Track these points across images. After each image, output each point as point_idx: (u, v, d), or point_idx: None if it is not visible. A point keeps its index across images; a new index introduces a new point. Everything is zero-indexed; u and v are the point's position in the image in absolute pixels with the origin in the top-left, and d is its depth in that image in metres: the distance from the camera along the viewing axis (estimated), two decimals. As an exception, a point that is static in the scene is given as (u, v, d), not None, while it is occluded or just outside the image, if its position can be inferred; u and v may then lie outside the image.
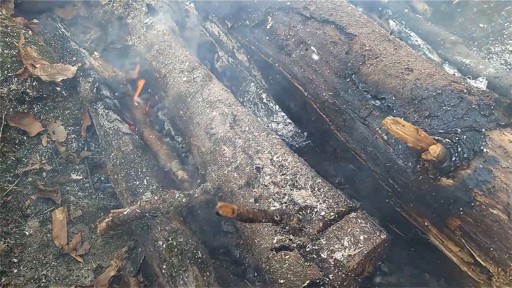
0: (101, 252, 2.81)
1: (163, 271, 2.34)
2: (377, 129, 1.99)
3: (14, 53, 3.20)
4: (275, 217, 1.72)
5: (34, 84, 3.14)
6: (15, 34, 3.33)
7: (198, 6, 3.20)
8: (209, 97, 2.65)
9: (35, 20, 4.30)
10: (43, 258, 2.62)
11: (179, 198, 2.20)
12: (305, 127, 2.66)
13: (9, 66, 3.12)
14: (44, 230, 2.73)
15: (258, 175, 2.16)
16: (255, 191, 2.13)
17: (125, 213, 2.08)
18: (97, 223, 2.16)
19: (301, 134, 2.86)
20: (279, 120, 3.04)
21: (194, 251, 2.42)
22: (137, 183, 2.63)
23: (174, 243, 2.40)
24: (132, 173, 2.68)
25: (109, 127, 3.04)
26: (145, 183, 2.63)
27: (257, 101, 3.18)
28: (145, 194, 2.57)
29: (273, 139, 2.32)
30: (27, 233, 2.66)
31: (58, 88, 3.27)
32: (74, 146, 3.20)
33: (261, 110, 3.11)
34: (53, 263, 2.63)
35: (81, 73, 3.35)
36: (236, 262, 2.80)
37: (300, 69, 2.33)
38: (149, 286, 2.64)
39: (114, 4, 3.49)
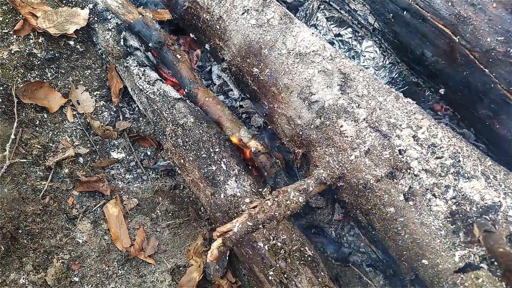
0: (172, 247, 2.33)
1: (270, 277, 1.90)
2: None
3: (2, -2, 2.33)
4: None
5: (39, 40, 2.34)
6: (-4, -30, 2.41)
7: None
8: (297, 48, 1.95)
9: None
10: (107, 268, 2.12)
11: (295, 198, 1.66)
12: (441, 84, 2.00)
13: (1, 19, 2.28)
14: (99, 233, 2.20)
15: (403, 161, 1.60)
16: (401, 184, 1.59)
17: (235, 230, 1.55)
18: (209, 253, 1.62)
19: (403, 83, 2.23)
20: (368, 64, 2.39)
21: (302, 249, 1.96)
22: (214, 168, 2.05)
23: (279, 244, 1.92)
24: (204, 155, 2.08)
25: (152, 91, 2.34)
26: (224, 167, 2.05)
27: (332, 38, 2.47)
28: (228, 182, 2.01)
29: (408, 105, 1.72)
30: (80, 241, 2.13)
31: (71, 42, 2.48)
32: (105, 116, 2.53)
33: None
34: (120, 271, 2.15)
35: (95, 18, 2.52)
36: (333, 242, 2.37)
37: (446, 3, 1.63)
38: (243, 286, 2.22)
39: None
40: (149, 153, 2.57)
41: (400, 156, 1.60)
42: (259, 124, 2.58)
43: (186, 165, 2.10)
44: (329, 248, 2.35)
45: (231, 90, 2.63)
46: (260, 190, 2.05)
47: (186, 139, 2.13)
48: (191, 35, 2.53)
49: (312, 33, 1.99)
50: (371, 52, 2.39)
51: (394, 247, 1.69)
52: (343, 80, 1.80)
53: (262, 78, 2.05)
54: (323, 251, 2.35)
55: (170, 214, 2.41)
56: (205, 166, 2.06)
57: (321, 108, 1.82)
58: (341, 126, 1.73)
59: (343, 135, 1.72)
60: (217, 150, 2.11)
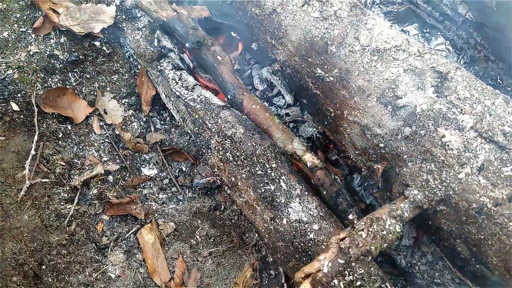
0: (216, 279, 1.98)
1: (348, 321, 1.55)
2: None
3: (19, -8, 2.02)
4: None
5: (61, 40, 2.03)
6: (13, -40, 2.11)
7: None
8: (373, 43, 1.64)
9: None
10: (145, 308, 1.78)
11: (391, 227, 1.32)
12: None
13: (18, 16, 1.97)
14: (133, 264, 1.86)
15: (530, 180, 1.27)
16: (532, 209, 1.26)
17: (325, 271, 1.22)
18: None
19: None
20: (443, 48, 2.07)
21: (383, 286, 1.62)
22: (272, 187, 1.72)
23: (358, 282, 1.57)
24: (259, 171, 1.75)
25: (192, 98, 2.02)
26: (284, 187, 1.72)
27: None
28: (291, 205, 1.67)
29: (524, 110, 1.39)
30: (112, 275, 1.79)
31: (97, 43, 2.17)
32: (135, 127, 2.21)
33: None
34: (160, 311, 1.81)
35: (123, 16, 2.22)
36: (404, 273, 2.03)
37: None
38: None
39: None
40: (184, 168, 2.24)
41: (527, 173, 1.27)
42: (309, 134, 2.25)
43: (238, 184, 1.77)
44: (399, 281, 2.01)
45: (277, 95, 2.31)
46: (325, 214, 1.72)
47: (237, 153, 1.80)
48: (233, 34, 2.21)
49: (391, 25, 1.67)
50: (443, 50, 2.07)
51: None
52: (439, 80, 1.48)
53: (328, 80, 1.73)
54: (394, 284, 2.01)
55: (212, 240, 2.07)
56: (261, 185, 1.73)
57: (411, 114, 1.49)
58: (443, 136, 1.40)
59: (446, 147, 1.39)
60: (274, 165, 1.78)
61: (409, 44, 1.60)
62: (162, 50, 2.15)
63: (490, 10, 1.48)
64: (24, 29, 1.96)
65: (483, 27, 1.55)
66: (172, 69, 2.14)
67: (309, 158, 1.94)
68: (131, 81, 2.27)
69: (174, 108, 2.11)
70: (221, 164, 1.83)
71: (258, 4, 1.94)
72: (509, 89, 2.12)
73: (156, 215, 2.03)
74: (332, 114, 1.79)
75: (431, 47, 2.08)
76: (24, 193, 1.66)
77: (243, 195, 1.76)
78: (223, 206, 2.18)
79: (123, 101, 2.21)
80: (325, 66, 1.74)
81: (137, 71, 2.28)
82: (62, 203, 1.80)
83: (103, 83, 2.16)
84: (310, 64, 1.80)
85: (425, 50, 1.57)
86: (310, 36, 1.78)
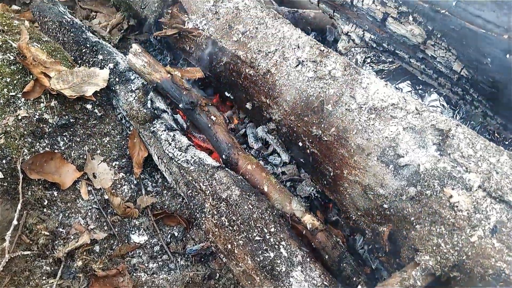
0: None
1: None
2: None
3: (11, 58, 2.02)
4: None
5: (52, 104, 1.99)
6: (7, 27, 2.13)
7: None
8: (370, 101, 1.62)
9: (14, 6, 3.06)
10: None
11: (405, 300, 1.21)
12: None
13: (8, 80, 1.94)
14: None
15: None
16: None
17: None
18: None
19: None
20: (437, 104, 2.05)
21: None
22: (271, 255, 1.60)
23: None
24: (257, 237, 1.64)
25: (185, 159, 1.95)
26: (285, 253, 1.61)
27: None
28: (293, 274, 1.55)
29: (531, 168, 1.34)
30: None
31: (89, 106, 2.13)
32: (125, 190, 2.11)
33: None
34: None
35: (116, 79, 2.21)
36: None
37: None
38: None
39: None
40: (176, 233, 2.12)
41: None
42: (307, 194, 2.17)
43: (235, 251, 1.65)
44: None
45: (273, 153, 2.25)
46: (330, 283, 1.59)
47: (233, 217, 1.70)
48: (227, 94, 2.20)
49: (386, 84, 1.67)
50: (438, 106, 2.07)
51: None
52: (440, 138, 1.44)
53: (326, 139, 1.69)
54: None
55: (207, 313, 1.90)
56: (260, 252, 1.61)
57: (415, 173, 1.43)
58: (450, 196, 1.33)
59: (455, 208, 1.32)
60: (272, 230, 1.67)
61: (406, 102, 1.58)
62: (155, 111, 2.11)
63: (485, 66, 1.49)
64: (13, 93, 1.93)
65: (479, 83, 1.54)
66: (165, 130, 2.09)
67: (309, 220, 1.84)
68: (123, 142, 2.21)
69: (166, 170, 2.03)
70: (216, 229, 1.73)
71: (252, 65, 1.94)
72: (506, 143, 2.10)
73: (146, 287, 1.87)
74: (331, 174, 1.73)
75: (426, 104, 2.08)
76: (2, 268, 1.52)
77: (240, 264, 1.64)
78: (218, 275, 2.03)
79: (113, 164, 2.13)
80: (322, 125, 1.70)
81: (129, 133, 2.23)
82: (44, 278, 1.65)
83: (94, 146, 2.09)
84: (306, 123, 1.76)
85: (423, 108, 1.54)
86: (306, 95, 1.76)
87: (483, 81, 1.53)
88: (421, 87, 2.10)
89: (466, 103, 1.72)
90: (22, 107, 1.91)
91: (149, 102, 2.11)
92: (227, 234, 1.69)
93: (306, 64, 1.79)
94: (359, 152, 1.59)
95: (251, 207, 1.72)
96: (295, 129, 1.83)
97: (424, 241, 1.37)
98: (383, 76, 2.25)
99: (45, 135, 1.93)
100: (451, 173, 1.38)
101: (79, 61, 2.31)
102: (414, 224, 1.41)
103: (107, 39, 2.78)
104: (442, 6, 1.53)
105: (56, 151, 1.94)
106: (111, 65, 2.23)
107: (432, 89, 2.04)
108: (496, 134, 1.99)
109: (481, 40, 1.47)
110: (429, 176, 1.41)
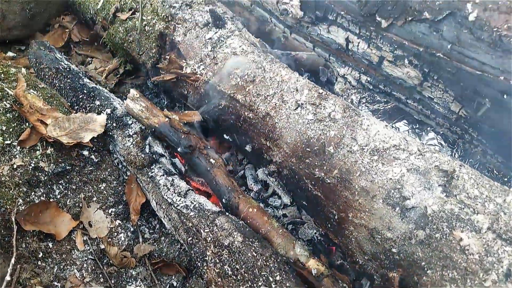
0: None
1: None
2: None
3: (8, 105, 2.00)
4: None
5: (48, 151, 1.96)
6: (4, 75, 2.13)
7: (308, 4, 2.05)
8: (371, 143, 1.62)
9: (9, 53, 3.08)
10: None
11: None
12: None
13: (4, 128, 1.92)
14: None
15: None
16: None
17: None
18: None
19: None
20: (435, 143, 2.07)
21: None
22: (278, 305, 1.53)
23: None
24: (262, 287, 1.58)
25: (184, 205, 1.91)
26: (292, 303, 1.54)
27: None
28: (302, 325, 1.48)
29: (539, 207, 1.33)
30: None
31: (85, 152, 2.10)
32: (122, 239, 2.04)
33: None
34: None
35: (113, 124, 2.19)
36: None
37: None
38: None
39: (147, 18, 2.37)
40: (175, 283, 2.04)
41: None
42: (309, 237, 2.13)
43: (240, 302, 1.58)
44: None
45: (273, 195, 2.22)
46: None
47: (236, 266, 1.64)
48: (226, 136, 2.19)
49: (386, 125, 1.68)
50: (435, 145, 2.09)
51: None
52: (445, 179, 1.44)
53: (329, 181, 1.67)
54: None
55: None
56: (266, 302, 1.55)
57: (422, 216, 1.41)
58: (460, 239, 1.31)
59: (466, 252, 1.29)
60: (278, 278, 1.61)
61: (407, 143, 1.58)
62: (154, 156, 2.09)
63: (484, 106, 1.51)
64: (9, 142, 1.89)
65: (479, 123, 1.56)
66: (163, 175, 2.06)
67: (314, 265, 1.79)
68: (119, 188, 2.16)
69: (165, 216, 1.98)
70: (219, 279, 1.66)
71: (251, 108, 1.95)
72: (505, 179, 2.10)
73: None
74: (335, 217, 1.70)
75: (423, 143, 2.09)
76: (-9, 330, 1.42)
77: (246, 316, 1.57)
78: (220, 325, 1.93)
79: (109, 211, 2.08)
80: (324, 167, 1.69)
81: (126, 178, 2.19)
82: (36, 338, 1.55)
83: (90, 193, 2.04)
84: (308, 165, 1.75)
85: (425, 149, 1.55)
86: (306, 137, 1.76)
87: (482, 121, 1.55)
88: (417, 125, 2.12)
89: (465, 142, 1.73)
90: (17, 155, 1.87)
91: (147, 147, 2.09)
92: (230, 284, 1.62)
93: (305, 107, 1.81)
94: (364, 194, 1.57)
95: (255, 254, 1.67)
96: (296, 171, 1.81)
97: (437, 287, 1.33)
98: (379, 115, 2.28)
99: (41, 184, 1.88)
100: (459, 215, 1.36)
101: (76, 107, 2.29)
102: (425, 269, 1.37)
103: (103, 83, 2.79)
104: (437, 50, 1.57)
105: (51, 200, 1.88)
106: (108, 111, 2.22)
107: (429, 128, 2.06)
108: (495, 171, 2.00)
109: (477, 81, 1.51)
110: (437, 219, 1.39)
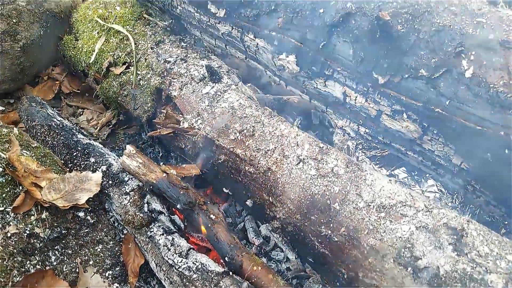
0: None
1: None
2: None
3: (0, 169, 1.93)
4: None
5: (43, 216, 1.89)
6: (-4, 138, 2.07)
7: (304, 59, 2.13)
8: (377, 199, 1.62)
9: (-2, 107, 3.03)
10: None
11: None
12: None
13: (-3, 194, 1.85)
14: None
15: None
16: None
17: None
18: None
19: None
20: (435, 190, 2.07)
21: None
22: None
23: None
24: None
25: (186, 266, 1.85)
26: None
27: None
28: None
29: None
30: None
31: (81, 214, 2.04)
32: (120, 303, 1.95)
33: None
34: None
35: (109, 181, 2.15)
36: None
37: None
38: None
39: (142, 72, 2.37)
40: None
41: None
42: (315, 291, 2.07)
43: None
44: None
45: (275, 249, 2.18)
46: None
47: (246, 333, 1.58)
48: (225, 190, 2.16)
49: (389, 180, 1.68)
50: (436, 192, 2.10)
51: None
52: (455, 237, 1.43)
53: (336, 239, 1.65)
54: None
55: None
56: None
57: (435, 276, 1.40)
58: (476, 301, 1.29)
59: (484, 315, 1.27)
60: None
61: (413, 199, 1.58)
62: (152, 214, 2.03)
63: (486, 160, 1.53)
64: (2, 208, 1.82)
65: (481, 175, 1.58)
66: (163, 234, 2.00)
67: (323, 325, 1.73)
68: (116, 249, 2.09)
69: (166, 278, 1.91)
70: None
71: (251, 163, 1.94)
72: (506, 222, 2.11)
73: None
74: (345, 276, 1.66)
75: (423, 190, 2.10)
76: None
77: None
78: None
79: (107, 274, 1.99)
80: (331, 225, 1.67)
81: (123, 237, 2.12)
82: None
83: (86, 257, 1.96)
84: (313, 222, 1.73)
85: (431, 205, 1.55)
86: (310, 193, 1.75)
87: (485, 174, 1.57)
88: (416, 172, 2.14)
89: (468, 192, 1.75)
90: (11, 222, 1.79)
91: (145, 205, 2.04)
92: None
93: (307, 162, 1.80)
94: (374, 253, 1.55)
95: (264, 319, 1.61)
96: (302, 228, 1.79)
97: None
98: (377, 162, 2.29)
99: (36, 251, 1.80)
100: (472, 274, 1.35)
101: (70, 165, 2.24)
102: (445, 333, 1.34)
103: (95, 135, 2.75)
104: (435, 105, 1.61)
105: (47, 267, 1.79)
106: (103, 168, 2.18)
107: (428, 175, 2.08)
108: (496, 217, 2.01)
109: (478, 136, 1.54)
110: (451, 279, 1.37)
